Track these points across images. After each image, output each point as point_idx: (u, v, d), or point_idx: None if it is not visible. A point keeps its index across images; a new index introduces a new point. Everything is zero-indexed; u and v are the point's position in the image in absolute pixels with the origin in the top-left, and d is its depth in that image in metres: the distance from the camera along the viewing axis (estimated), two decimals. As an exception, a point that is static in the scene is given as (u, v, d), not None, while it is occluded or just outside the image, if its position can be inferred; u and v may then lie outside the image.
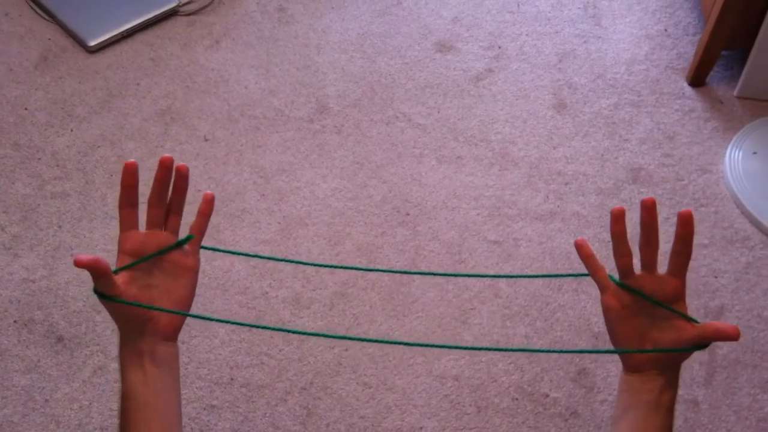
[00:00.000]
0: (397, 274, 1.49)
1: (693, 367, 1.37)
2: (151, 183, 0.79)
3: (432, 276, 1.48)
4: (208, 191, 0.84)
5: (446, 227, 1.56)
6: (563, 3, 2.02)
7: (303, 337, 1.40)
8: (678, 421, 1.31)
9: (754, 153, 1.66)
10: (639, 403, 0.79)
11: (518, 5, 2.01)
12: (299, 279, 1.47)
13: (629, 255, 0.78)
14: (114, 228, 1.53)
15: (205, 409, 1.32)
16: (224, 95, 1.78)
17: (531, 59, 1.88)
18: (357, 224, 1.56)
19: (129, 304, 0.76)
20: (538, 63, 1.87)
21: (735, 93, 1.80)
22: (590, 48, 1.91)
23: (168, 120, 1.73)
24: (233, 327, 1.40)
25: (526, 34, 1.94)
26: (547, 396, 1.34)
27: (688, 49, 1.89)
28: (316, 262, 1.49)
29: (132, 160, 0.77)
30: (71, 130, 1.70)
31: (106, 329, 1.40)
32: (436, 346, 0.83)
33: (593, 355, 1.38)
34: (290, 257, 1.50)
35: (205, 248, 0.85)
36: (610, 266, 0.80)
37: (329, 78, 1.83)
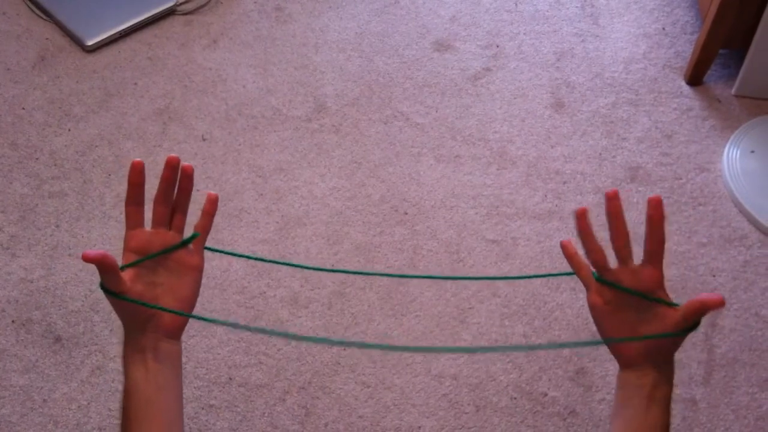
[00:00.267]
0: (396, 272, 1.49)
1: (691, 366, 1.38)
2: (154, 185, 0.79)
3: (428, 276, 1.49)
4: (212, 191, 0.85)
5: (444, 226, 1.56)
6: (561, 2, 2.02)
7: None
8: (676, 420, 1.31)
9: (752, 152, 1.66)
10: (634, 398, 0.79)
11: (516, 4, 2.01)
12: (297, 278, 1.47)
13: (599, 251, 0.80)
14: (112, 227, 1.53)
15: (203, 408, 1.32)
16: (222, 94, 1.78)
17: (529, 58, 1.88)
18: (355, 223, 1.56)
19: (134, 303, 0.76)
20: (536, 62, 1.87)
21: (733, 92, 1.80)
22: (588, 47, 1.91)
23: (166, 119, 1.73)
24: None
25: (524, 33, 1.94)
26: (546, 395, 1.34)
27: (685, 47, 1.89)
28: (315, 262, 1.50)
29: (138, 159, 0.78)
30: (69, 130, 1.70)
31: (104, 329, 1.40)
32: (431, 350, 0.83)
33: (592, 355, 1.39)
34: (288, 257, 1.50)
35: (209, 249, 0.85)
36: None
37: (327, 77, 1.83)
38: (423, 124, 1.74)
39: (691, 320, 0.75)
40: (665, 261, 0.79)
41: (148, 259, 0.79)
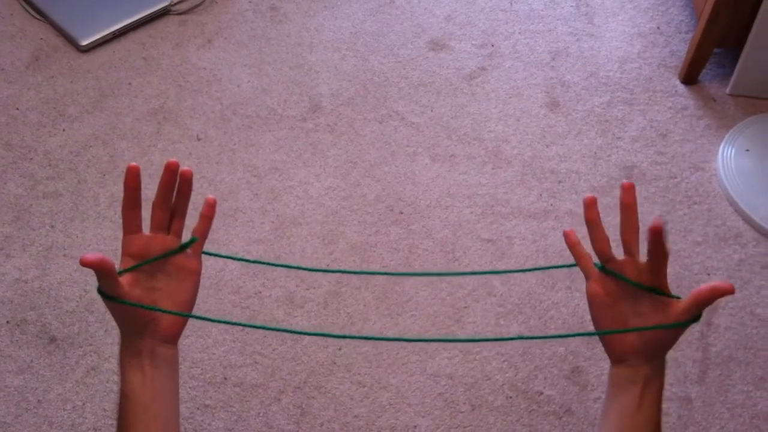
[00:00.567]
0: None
1: (686, 364, 1.38)
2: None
3: (425, 274, 1.49)
4: (209, 195, 0.84)
5: (440, 226, 1.56)
6: (556, 1, 2.02)
7: (297, 336, 1.39)
8: (671, 419, 1.31)
9: (747, 150, 1.67)
10: (625, 394, 0.79)
11: (511, 3, 2.01)
12: (292, 278, 1.47)
13: (605, 240, 0.79)
14: (106, 228, 1.53)
15: (198, 408, 1.31)
16: (217, 94, 1.78)
17: (524, 57, 1.88)
18: (350, 223, 1.56)
19: (133, 305, 0.76)
20: (531, 61, 1.87)
21: (727, 91, 1.80)
22: (583, 46, 1.91)
23: (160, 119, 1.72)
24: (226, 326, 1.40)
25: (519, 33, 1.94)
26: (541, 394, 1.34)
27: (680, 47, 1.90)
28: (311, 262, 1.49)
29: (134, 163, 0.78)
30: (63, 130, 1.70)
31: (99, 329, 1.40)
32: (428, 341, 0.83)
33: (587, 353, 1.39)
34: (284, 256, 1.50)
35: (207, 254, 0.85)
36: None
37: (322, 77, 1.83)
38: (418, 124, 1.74)
39: (697, 310, 0.75)
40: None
41: (146, 263, 0.78)
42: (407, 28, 1.94)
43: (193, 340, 1.38)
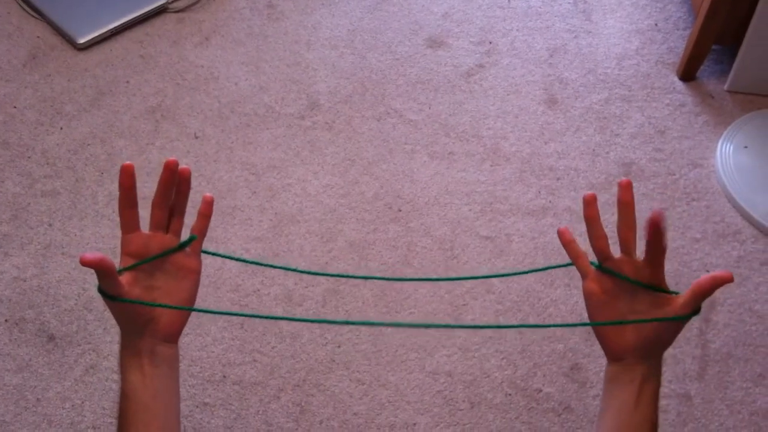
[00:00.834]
0: (390, 271, 1.49)
1: (685, 361, 1.38)
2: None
3: (423, 272, 1.48)
4: (207, 193, 0.84)
5: (438, 223, 1.56)
6: (554, -2, 2.02)
7: (296, 334, 1.39)
8: (671, 416, 1.32)
9: (745, 147, 1.67)
10: (623, 393, 0.79)
11: (509, 0, 2.01)
12: (291, 276, 1.47)
13: (604, 237, 0.79)
14: (104, 226, 1.53)
15: (197, 406, 1.31)
16: (214, 92, 1.78)
17: (522, 55, 1.88)
18: (349, 221, 1.56)
19: (133, 303, 0.76)
20: (529, 58, 1.87)
21: (725, 87, 1.80)
22: (581, 43, 1.91)
23: (158, 117, 1.72)
24: (225, 324, 1.40)
25: (517, 30, 1.94)
26: (540, 391, 1.35)
27: (678, 43, 1.90)
28: (309, 260, 1.49)
29: (129, 162, 0.77)
30: (61, 128, 1.69)
31: (97, 328, 1.39)
32: (429, 326, 0.83)
33: (586, 351, 1.39)
34: (282, 254, 1.50)
35: (206, 252, 0.85)
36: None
37: (320, 74, 1.83)
38: (416, 121, 1.73)
39: (697, 302, 0.75)
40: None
41: (145, 262, 0.78)
42: (405, 26, 1.94)
43: (192, 338, 1.38)
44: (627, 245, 0.78)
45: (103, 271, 0.72)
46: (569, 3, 2.01)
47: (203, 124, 1.71)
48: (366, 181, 1.62)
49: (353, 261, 1.50)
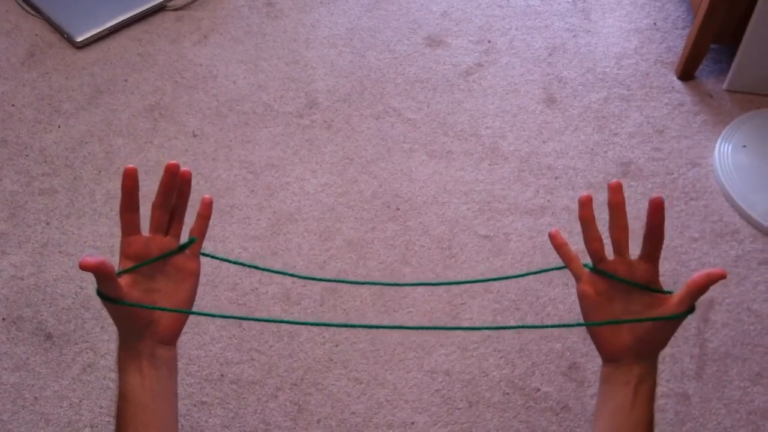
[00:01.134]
0: (388, 270, 1.48)
1: (683, 360, 1.38)
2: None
3: (422, 271, 1.48)
4: (206, 194, 0.84)
5: (436, 222, 1.56)
6: (552, -3, 2.02)
7: (293, 333, 1.39)
8: (669, 415, 1.32)
9: (744, 146, 1.67)
10: (618, 393, 0.79)
11: (507, -1, 2.01)
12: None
13: (599, 239, 0.79)
14: (102, 224, 1.53)
15: (195, 405, 1.31)
16: (213, 91, 1.78)
17: (521, 53, 1.88)
18: (347, 220, 1.56)
19: (132, 306, 0.76)
20: (527, 57, 1.87)
21: (724, 87, 1.80)
22: (580, 42, 1.91)
23: (156, 116, 1.72)
24: (223, 323, 1.40)
25: (516, 29, 1.94)
26: (538, 390, 1.34)
27: (677, 42, 1.89)
28: (308, 259, 1.49)
29: (132, 165, 0.77)
30: (59, 127, 1.69)
31: (95, 326, 1.39)
32: (425, 329, 0.83)
33: (584, 350, 1.39)
34: (280, 253, 1.50)
35: (205, 255, 0.85)
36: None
37: (318, 73, 1.83)
38: (415, 120, 1.73)
39: (692, 300, 0.75)
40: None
41: (145, 264, 0.78)
42: (403, 24, 1.94)
43: (189, 337, 1.38)
44: (619, 246, 0.78)
45: (102, 274, 0.72)
46: (568, 2, 2.01)
47: (202, 122, 1.71)
48: (364, 180, 1.62)
49: (351, 260, 1.50)
